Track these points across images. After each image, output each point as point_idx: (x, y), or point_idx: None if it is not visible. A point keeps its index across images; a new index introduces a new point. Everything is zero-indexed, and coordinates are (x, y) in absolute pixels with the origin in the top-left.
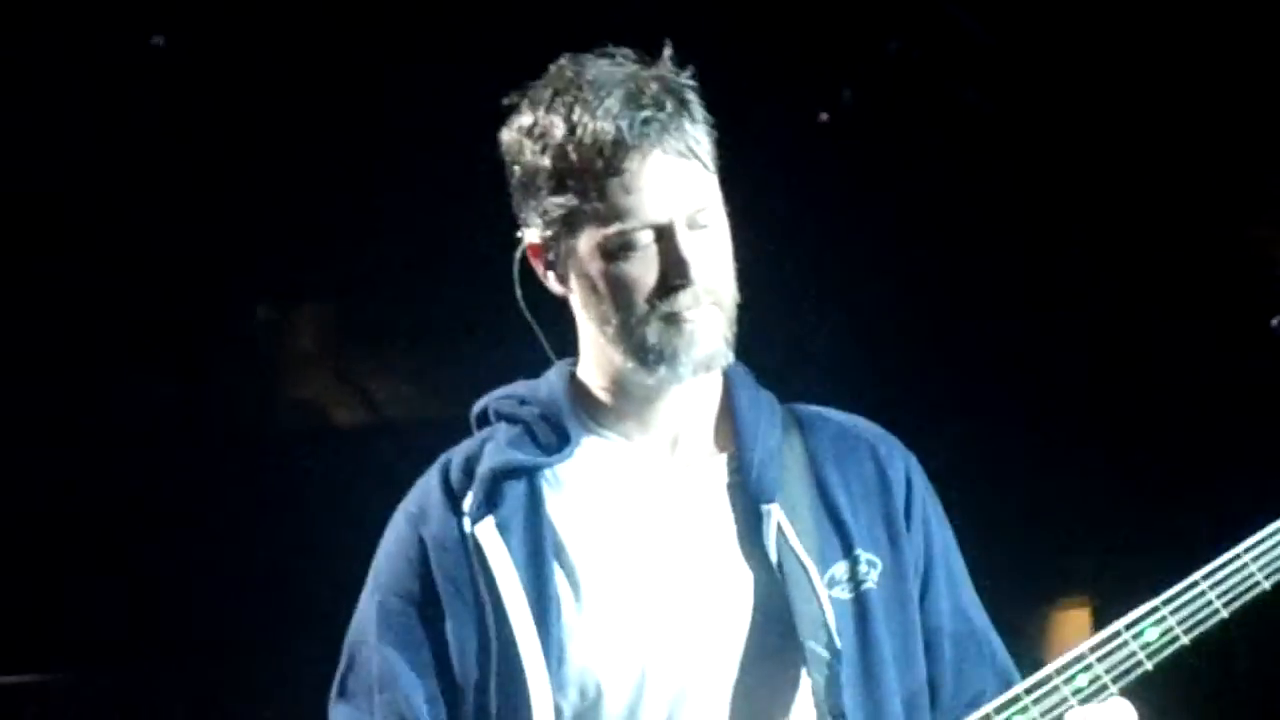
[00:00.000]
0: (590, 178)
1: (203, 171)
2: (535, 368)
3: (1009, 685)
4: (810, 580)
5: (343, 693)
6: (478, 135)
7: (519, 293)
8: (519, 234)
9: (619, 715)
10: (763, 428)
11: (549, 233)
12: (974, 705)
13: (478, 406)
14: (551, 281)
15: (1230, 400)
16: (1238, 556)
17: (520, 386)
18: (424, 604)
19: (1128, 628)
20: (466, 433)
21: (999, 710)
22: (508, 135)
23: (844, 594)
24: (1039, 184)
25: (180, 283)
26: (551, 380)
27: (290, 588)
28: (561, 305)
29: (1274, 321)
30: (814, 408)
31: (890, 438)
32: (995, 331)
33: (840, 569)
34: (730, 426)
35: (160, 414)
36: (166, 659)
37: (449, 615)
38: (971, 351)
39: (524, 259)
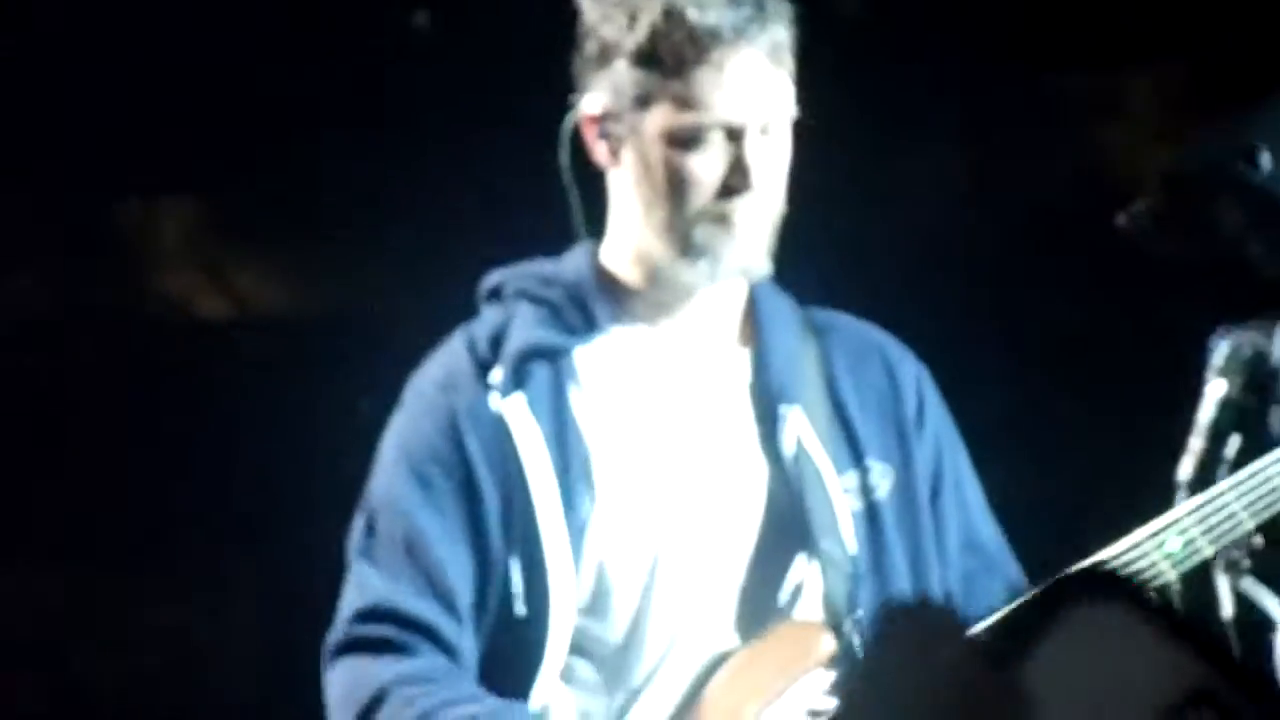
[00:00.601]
0: (678, 62)
1: (65, 66)
2: (412, 265)
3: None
4: (824, 484)
5: (367, 555)
6: (366, 31)
7: (564, 159)
8: (574, 98)
9: (630, 607)
10: (783, 330)
11: (616, 105)
12: (984, 617)
13: (490, 280)
14: (601, 153)
15: (1083, 310)
16: (1266, 468)
17: (543, 265)
18: (456, 472)
19: (1150, 537)
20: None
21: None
22: (591, 4)
23: (855, 503)
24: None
25: (41, 178)
26: (577, 262)
27: (161, 484)
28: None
29: (1120, 217)
30: (829, 312)
31: (902, 347)
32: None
33: (851, 478)
34: (752, 327)
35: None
36: (28, 563)
37: (477, 485)
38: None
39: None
